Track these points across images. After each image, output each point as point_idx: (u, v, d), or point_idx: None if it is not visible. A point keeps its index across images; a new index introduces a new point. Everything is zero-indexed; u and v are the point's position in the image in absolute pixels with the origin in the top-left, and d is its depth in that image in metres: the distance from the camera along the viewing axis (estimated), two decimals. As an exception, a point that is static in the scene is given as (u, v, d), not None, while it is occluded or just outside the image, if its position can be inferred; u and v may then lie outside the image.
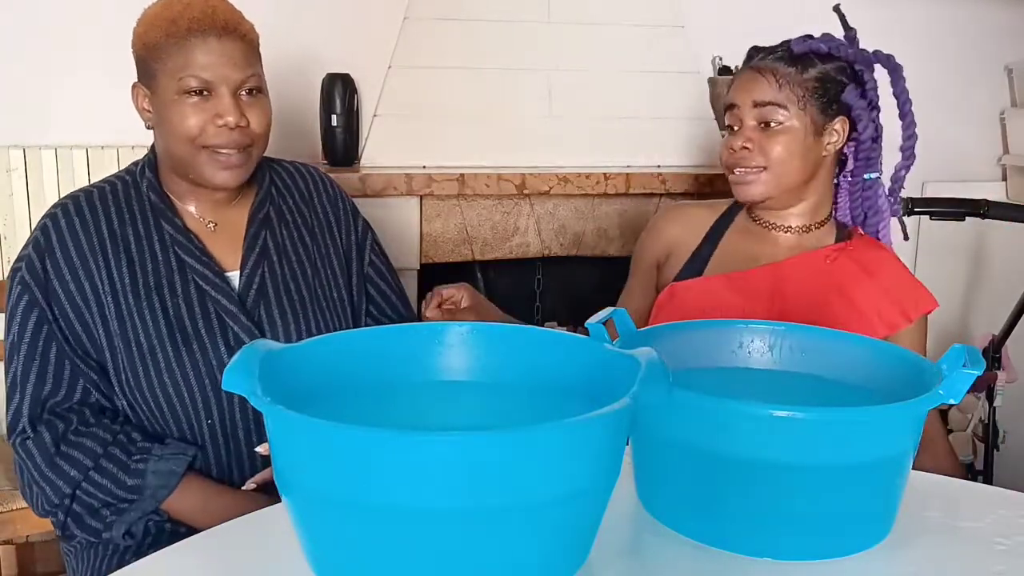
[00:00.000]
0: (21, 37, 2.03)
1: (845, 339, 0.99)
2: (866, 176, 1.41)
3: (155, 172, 1.26)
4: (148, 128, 1.24)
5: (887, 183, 1.42)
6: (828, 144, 1.38)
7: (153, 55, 1.18)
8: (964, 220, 2.09)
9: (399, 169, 2.13)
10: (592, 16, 2.35)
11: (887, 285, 1.38)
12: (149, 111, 1.22)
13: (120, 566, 0.91)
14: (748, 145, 1.38)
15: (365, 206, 1.47)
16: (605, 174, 2.22)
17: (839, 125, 1.38)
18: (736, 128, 1.41)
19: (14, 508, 1.70)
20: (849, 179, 1.43)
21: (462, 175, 2.12)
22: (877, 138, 1.40)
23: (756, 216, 1.47)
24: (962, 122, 2.84)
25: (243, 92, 1.20)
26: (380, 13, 2.24)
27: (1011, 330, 2.14)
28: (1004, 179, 2.92)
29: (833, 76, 1.37)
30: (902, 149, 1.40)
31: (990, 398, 2.14)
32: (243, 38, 1.19)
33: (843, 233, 1.44)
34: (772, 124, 1.37)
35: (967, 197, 2.08)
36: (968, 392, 0.81)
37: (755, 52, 1.43)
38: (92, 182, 1.29)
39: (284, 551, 0.77)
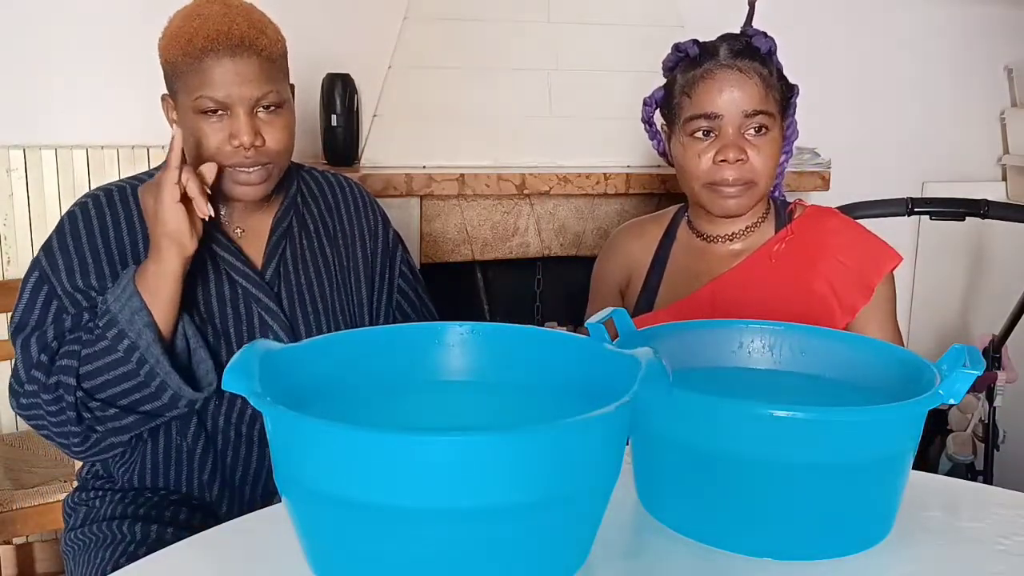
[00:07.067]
0: (21, 37, 2.03)
1: (845, 339, 0.99)
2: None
3: None
4: None
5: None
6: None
7: (173, 71, 1.17)
8: (964, 220, 2.09)
9: (399, 169, 2.13)
10: (592, 16, 2.35)
11: (843, 256, 1.31)
12: (176, 123, 1.20)
13: (119, 567, 0.91)
14: (743, 157, 1.26)
15: (365, 206, 1.47)
16: (605, 174, 2.22)
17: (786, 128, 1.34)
18: (712, 135, 1.27)
19: (14, 508, 1.70)
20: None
21: (462, 175, 2.12)
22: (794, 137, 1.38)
23: (699, 230, 1.38)
24: (962, 122, 2.84)
25: (260, 109, 1.17)
26: (380, 13, 2.24)
27: (1011, 330, 2.14)
28: (1004, 179, 2.92)
29: (784, 78, 1.31)
30: (785, 151, 1.36)
31: (990, 398, 2.13)
32: (260, 53, 1.15)
33: (783, 217, 1.37)
34: (760, 134, 1.26)
35: (967, 197, 2.08)
36: (968, 392, 0.81)
37: (713, 47, 1.28)
38: (126, 176, 1.27)
39: (284, 551, 0.77)
